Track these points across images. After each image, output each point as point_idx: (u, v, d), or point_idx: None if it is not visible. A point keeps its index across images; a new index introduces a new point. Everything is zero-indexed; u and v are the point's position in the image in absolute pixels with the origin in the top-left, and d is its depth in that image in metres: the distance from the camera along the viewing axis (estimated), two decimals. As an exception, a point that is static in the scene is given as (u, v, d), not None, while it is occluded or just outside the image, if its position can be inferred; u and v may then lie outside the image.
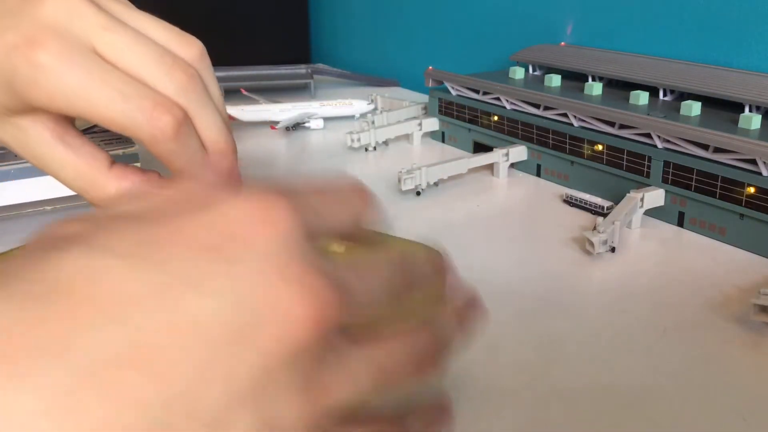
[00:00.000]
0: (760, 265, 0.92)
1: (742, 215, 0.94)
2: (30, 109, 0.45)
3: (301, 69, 2.26)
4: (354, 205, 0.37)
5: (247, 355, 0.25)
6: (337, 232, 0.34)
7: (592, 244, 0.93)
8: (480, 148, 1.39)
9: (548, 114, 1.23)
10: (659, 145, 1.05)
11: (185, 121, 0.44)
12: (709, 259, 0.94)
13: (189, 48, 0.50)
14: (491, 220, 1.10)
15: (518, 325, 0.78)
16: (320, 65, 2.46)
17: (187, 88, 0.46)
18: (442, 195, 1.19)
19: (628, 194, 1.04)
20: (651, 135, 1.06)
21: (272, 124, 1.62)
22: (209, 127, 0.47)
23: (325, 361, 0.29)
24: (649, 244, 1.00)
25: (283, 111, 1.67)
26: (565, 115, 1.19)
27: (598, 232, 0.94)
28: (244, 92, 1.90)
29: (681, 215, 1.03)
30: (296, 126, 1.66)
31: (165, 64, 0.46)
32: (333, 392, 0.29)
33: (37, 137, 0.46)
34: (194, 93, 0.47)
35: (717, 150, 0.98)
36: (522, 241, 1.01)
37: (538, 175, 1.27)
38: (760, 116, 1.05)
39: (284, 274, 0.27)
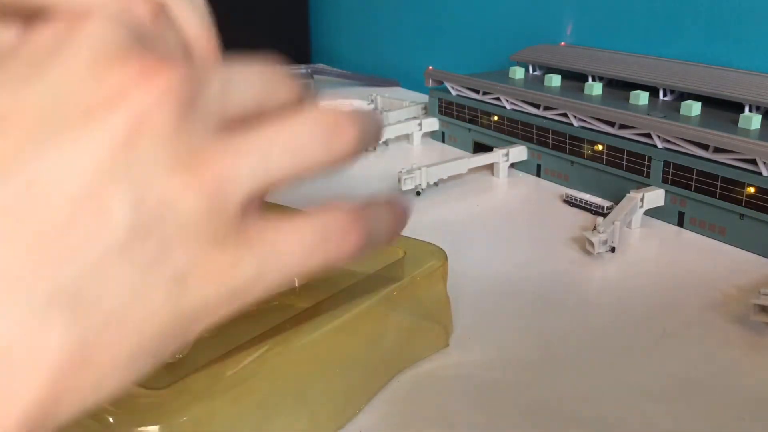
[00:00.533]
0: (760, 265, 0.92)
1: (742, 215, 0.94)
2: None
3: (301, 69, 2.26)
4: (276, 88, 0.33)
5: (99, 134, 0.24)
6: (240, 111, 0.30)
7: (592, 244, 0.93)
8: (480, 148, 1.39)
9: (548, 114, 1.23)
10: (659, 145, 1.05)
11: (161, 10, 0.39)
12: (709, 259, 0.94)
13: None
14: (491, 220, 1.10)
15: (518, 324, 0.78)
16: (320, 65, 2.46)
17: None
18: (442, 195, 1.19)
19: (628, 194, 1.04)
20: (651, 135, 1.06)
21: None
22: (188, 19, 0.39)
23: (212, 136, 0.28)
24: (649, 244, 1.00)
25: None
26: (565, 115, 1.19)
27: (598, 232, 0.94)
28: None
29: (681, 215, 1.03)
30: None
31: None
32: (221, 168, 0.27)
33: None
34: None
35: (717, 150, 0.97)
36: (522, 241, 1.01)
37: (538, 175, 1.27)
38: (760, 116, 1.05)
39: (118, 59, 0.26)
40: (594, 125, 1.15)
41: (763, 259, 0.93)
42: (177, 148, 0.26)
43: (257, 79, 0.34)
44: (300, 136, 0.31)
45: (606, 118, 1.13)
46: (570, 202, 1.14)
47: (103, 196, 0.24)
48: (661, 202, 1.05)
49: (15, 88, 0.25)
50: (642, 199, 1.03)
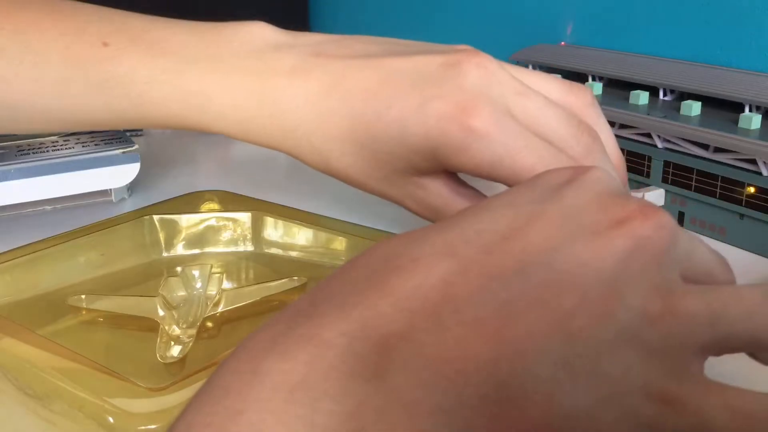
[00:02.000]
0: (760, 265, 0.92)
1: (742, 215, 0.95)
2: (439, 170, 0.48)
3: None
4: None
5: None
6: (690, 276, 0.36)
7: None
8: None
9: (548, 114, 1.23)
10: (659, 144, 1.05)
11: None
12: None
13: (583, 97, 0.54)
14: None
15: None
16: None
17: (592, 149, 0.50)
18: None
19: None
20: (651, 135, 1.06)
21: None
22: (613, 152, 0.52)
23: (673, 277, 0.33)
24: None
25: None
26: (565, 115, 1.19)
27: None
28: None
29: (681, 215, 1.03)
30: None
31: (572, 126, 0.49)
32: (687, 307, 0.32)
33: (436, 193, 0.51)
34: (597, 153, 0.50)
35: (717, 150, 0.98)
36: None
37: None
38: (760, 116, 1.05)
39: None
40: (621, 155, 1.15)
41: (763, 259, 0.93)
42: (658, 276, 0.32)
43: (712, 255, 0.40)
44: (752, 306, 0.33)
45: (606, 118, 1.13)
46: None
47: (607, 294, 0.29)
48: (661, 202, 1.05)
49: (540, 202, 0.33)
50: (642, 199, 1.03)
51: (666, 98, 1.23)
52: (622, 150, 1.09)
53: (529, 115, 0.46)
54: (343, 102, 0.44)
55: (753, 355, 0.38)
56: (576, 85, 0.51)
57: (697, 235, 0.40)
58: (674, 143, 1.02)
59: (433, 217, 0.50)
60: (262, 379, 0.24)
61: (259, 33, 0.50)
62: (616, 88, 1.31)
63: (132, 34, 0.48)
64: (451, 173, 0.51)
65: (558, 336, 0.27)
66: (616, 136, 1.11)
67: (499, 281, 0.28)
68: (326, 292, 0.28)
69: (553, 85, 0.50)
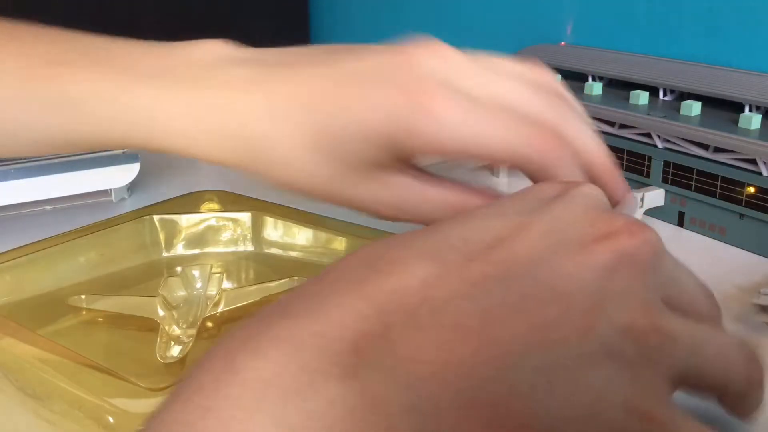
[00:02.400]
0: (760, 265, 0.92)
1: (742, 215, 0.95)
2: (406, 163, 0.48)
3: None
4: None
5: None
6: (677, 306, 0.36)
7: None
8: None
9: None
10: (659, 144, 1.05)
11: (561, 138, 0.45)
12: (709, 259, 0.94)
13: (543, 75, 0.51)
14: None
15: None
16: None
17: (567, 114, 0.48)
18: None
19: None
20: (651, 135, 1.06)
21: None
22: (581, 137, 0.47)
23: (655, 296, 0.33)
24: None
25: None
26: (565, 115, 1.19)
27: None
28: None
29: (681, 215, 1.03)
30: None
31: (541, 96, 0.47)
32: (668, 329, 0.32)
33: (399, 185, 0.49)
34: (560, 107, 0.48)
35: (717, 150, 0.98)
36: None
37: (538, 175, 1.27)
38: (760, 116, 1.05)
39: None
40: (594, 125, 1.15)
41: (764, 259, 0.93)
42: (642, 292, 0.32)
43: (698, 286, 0.40)
44: (728, 349, 0.36)
45: (606, 117, 1.13)
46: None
47: (590, 307, 0.29)
48: (661, 202, 1.05)
49: (528, 213, 0.34)
50: (642, 199, 1.03)
51: (666, 98, 1.23)
52: (622, 149, 1.10)
53: (493, 91, 0.46)
54: (303, 110, 0.44)
55: (718, 400, 0.39)
56: (538, 64, 0.51)
57: (686, 267, 0.40)
58: (674, 143, 1.02)
59: (408, 216, 0.50)
60: (234, 376, 0.24)
61: (213, 49, 0.49)
62: (616, 88, 1.31)
63: (87, 53, 0.47)
64: (417, 168, 0.51)
65: (539, 344, 0.27)
66: (617, 136, 1.11)
67: (480, 288, 0.28)
68: (305, 294, 0.29)
69: (514, 65, 0.50)
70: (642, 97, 1.19)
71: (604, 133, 1.13)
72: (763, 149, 0.91)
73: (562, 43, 1.59)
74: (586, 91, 1.26)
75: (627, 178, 1.09)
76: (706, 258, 0.95)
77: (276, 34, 2.61)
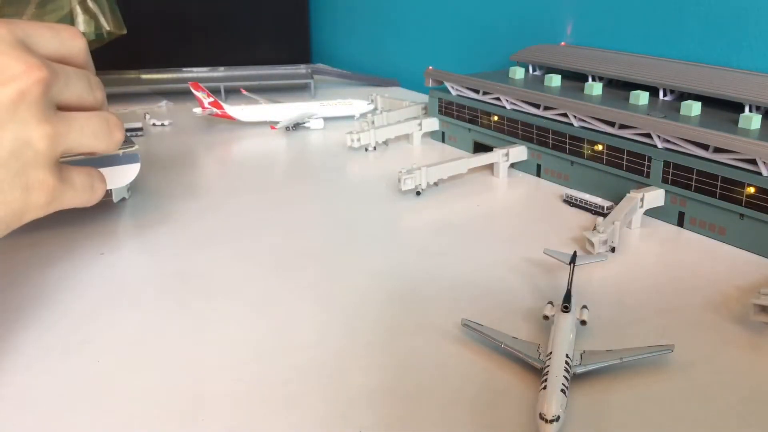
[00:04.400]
0: (759, 264, 0.92)
1: (742, 215, 0.94)
2: None
3: (301, 69, 2.26)
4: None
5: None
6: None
7: (592, 243, 0.93)
8: (480, 148, 1.39)
9: (548, 114, 1.23)
10: (659, 145, 1.05)
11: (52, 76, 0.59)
12: (709, 259, 0.94)
13: (77, 41, 0.66)
14: (491, 219, 1.10)
15: (521, 323, 0.78)
16: (320, 65, 2.46)
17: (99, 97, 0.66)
18: (442, 195, 1.19)
19: (628, 194, 1.04)
20: (651, 135, 1.06)
21: (272, 124, 1.62)
22: (76, 83, 0.63)
23: (55, 112, 0.60)
24: (649, 244, 1.00)
25: (283, 111, 1.67)
26: (565, 115, 1.19)
27: (598, 231, 0.94)
28: (244, 92, 1.89)
29: (681, 215, 1.03)
30: (296, 126, 1.66)
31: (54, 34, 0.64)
32: (67, 130, 0.61)
33: None
34: (102, 101, 0.67)
35: (717, 150, 0.97)
36: (522, 241, 1.01)
37: (539, 175, 1.27)
38: (759, 116, 1.05)
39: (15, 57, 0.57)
40: (594, 125, 1.15)
41: (763, 259, 0.93)
42: (41, 112, 0.58)
43: (85, 89, 0.65)
44: (98, 125, 0.65)
45: (606, 118, 1.13)
46: (570, 202, 1.13)
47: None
48: (661, 202, 1.05)
49: None
50: (642, 199, 1.02)
51: (666, 98, 1.23)
52: (622, 149, 1.09)
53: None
54: None
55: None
56: (68, 30, 0.65)
57: (82, 74, 0.65)
58: (674, 143, 1.02)
59: None
60: None
61: None
62: (616, 88, 1.31)
63: None
64: None
65: None
66: (616, 136, 1.11)
67: None
68: None
69: (47, 35, 0.63)
70: (642, 98, 1.19)
71: (604, 133, 1.12)
72: (763, 149, 0.91)
73: (563, 43, 1.60)
74: (586, 91, 1.26)
75: (627, 178, 1.09)
76: (706, 258, 0.94)
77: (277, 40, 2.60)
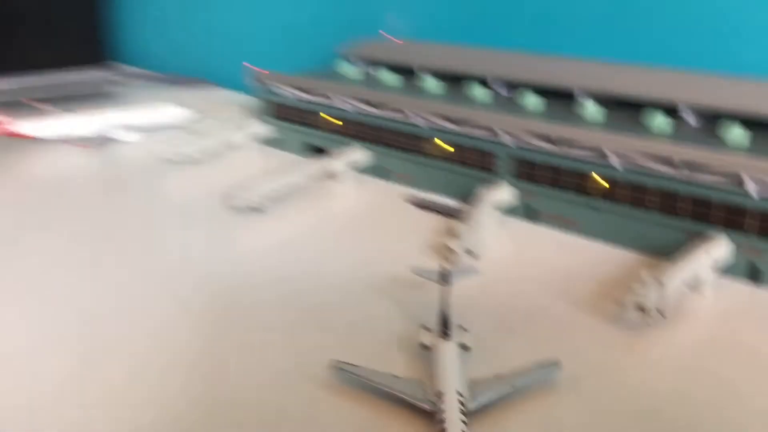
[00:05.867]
0: (616, 256, 0.92)
1: (592, 207, 0.94)
2: None
3: (102, 73, 2.04)
4: None
5: None
6: None
7: (451, 251, 0.89)
8: (315, 151, 1.30)
9: (386, 113, 1.16)
10: (505, 140, 1.02)
11: None
12: (565, 254, 0.93)
13: None
14: (341, 233, 1.03)
15: (397, 355, 0.71)
16: (124, 66, 2.25)
17: None
18: (282, 209, 1.09)
19: (477, 192, 1.01)
20: (495, 131, 1.03)
21: (80, 142, 1.42)
22: None
23: None
24: (505, 243, 0.97)
25: (84, 123, 1.47)
26: (403, 113, 1.14)
27: (456, 238, 0.90)
28: (34, 104, 1.64)
29: (531, 210, 1.02)
30: (105, 140, 1.46)
31: None
32: None
33: None
34: None
35: (561, 143, 0.96)
36: (378, 256, 0.95)
37: (383, 178, 1.21)
38: (600, 107, 1.06)
39: None
40: (435, 123, 1.10)
41: (618, 251, 0.93)
42: None
43: None
44: None
45: (447, 114, 1.09)
46: (418, 204, 1.08)
47: None
48: (509, 198, 1.03)
49: None
50: (490, 198, 1.00)
51: (503, 91, 1.21)
52: (467, 147, 1.05)
53: None
54: None
55: None
56: None
57: None
58: (518, 138, 0.99)
59: None
60: None
61: None
62: (452, 82, 1.27)
63: None
64: None
65: None
66: (460, 133, 1.06)
67: None
68: None
69: None
70: (479, 92, 1.16)
71: (446, 131, 1.08)
72: (609, 141, 0.91)
73: (393, 38, 1.53)
74: (423, 87, 1.22)
75: (474, 176, 1.05)
76: (562, 252, 0.93)
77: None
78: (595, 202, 0.93)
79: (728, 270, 0.87)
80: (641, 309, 0.73)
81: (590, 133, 0.93)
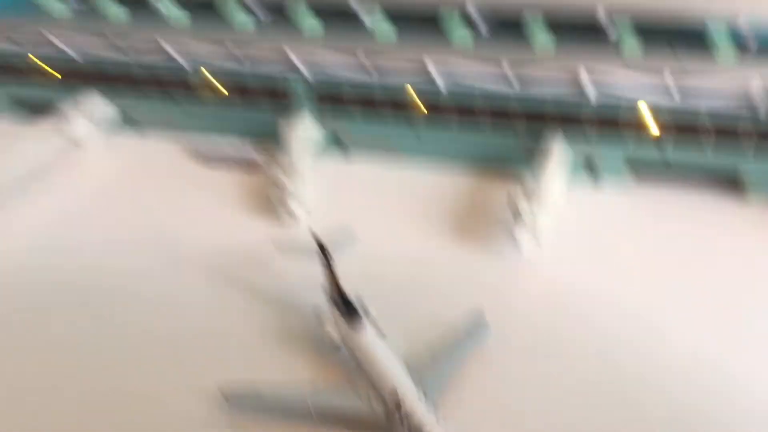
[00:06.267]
0: (444, 176, 0.86)
1: (413, 129, 0.86)
2: None
3: None
4: None
5: None
6: None
7: (292, 214, 0.77)
8: (33, 109, 1.07)
9: (134, 54, 0.97)
10: (299, 68, 0.89)
11: None
12: (387, 185, 0.85)
13: None
14: (114, 206, 0.85)
15: (289, 357, 0.58)
16: None
17: None
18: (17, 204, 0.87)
19: (277, 131, 0.88)
20: (292, 60, 0.89)
21: None
22: None
23: None
24: (320, 183, 0.86)
25: None
26: (156, 51, 0.95)
27: (288, 192, 0.78)
28: None
29: (339, 142, 0.91)
30: None
31: None
32: None
33: None
34: None
35: (365, 66, 0.86)
36: (166, 226, 0.79)
37: (143, 132, 1.02)
38: (389, 24, 0.95)
39: None
40: (198, 56, 0.93)
41: (456, 172, 0.87)
42: None
43: None
44: None
45: (210, 42, 0.92)
46: (207, 159, 0.91)
47: None
48: (314, 133, 0.91)
49: None
50: (292, 136, 0.87)
51: (263, 16, 1.04)
52: (253, 80, 0.89)
53: None
54: None
55: None
56: None
57: None
58: (313, 64, 0.86)
59: None
60: None
61: None
62: (197, 6, 1.08)
63: None
64: None
65: None
66: (240, 71, 0.90)
67: None
68: None
69: None
70: (239, 16, 1.00)
71: (223, 70, 0.91)
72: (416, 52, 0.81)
73: None
74: (163, 15, 1.03)
75: (260, 114, 0.89)
76: (384, 184, 0.85)
77: None
78: (415, 126, 0.85)
79: (570, 170, 0.88)
80: (521, 227, 0.68)
81: (395, 53, 0.83)
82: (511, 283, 0.69)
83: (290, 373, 0.55)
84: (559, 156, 0.87)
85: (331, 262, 0.63)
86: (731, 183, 1.07)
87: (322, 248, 0.65)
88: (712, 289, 0.86)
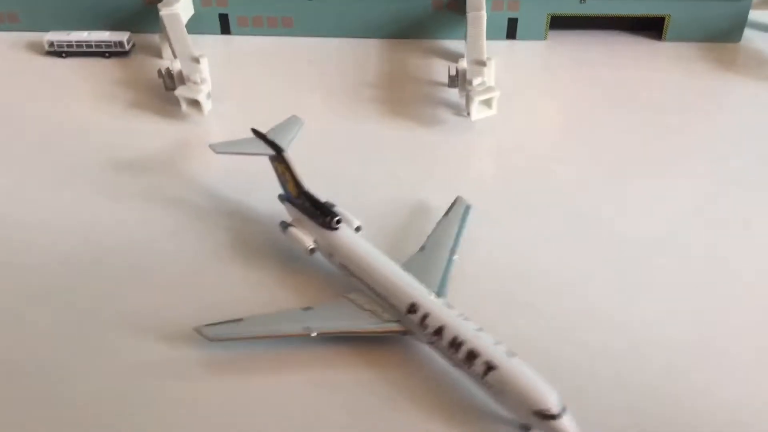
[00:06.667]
0: (364, 46, 0.87)
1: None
2: None
3: None
4: None
5: None
6: None
7: (197, 103, 0.73)
8: None
9: None
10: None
11: None
12: (285, 53, 0.84)
13: None
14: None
15: (276, 287, 0.60)
16: None
17: None
18: None
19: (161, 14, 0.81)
20: None
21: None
22: None
23: None
24: (213, 61, 0.82)
25: None
26: None
27: (195, 83, 0.74)
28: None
29: (223, 19, 0.86)
30: None
31: None
32: None
33: None
34: None
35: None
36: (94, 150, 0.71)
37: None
38: None
39: None
40: None
41: (360, 41, 0.88)
42: None
43: None
44: None
45: None
46: (58, 50, 0.80)
47: None
48: (191, 10, 0.85)
49: None
50: (162, 13, 0.80)
51: None
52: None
53: None
54: None
55: None
56: None
57: None
58: None
59: None
60: None
61: None
62: None
63: None
64: None
65: None
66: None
67: None
68: None
69: None
70: None
71: None
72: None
73: None
74: None
75: None
76: (277, 56, 0.84)
77: None
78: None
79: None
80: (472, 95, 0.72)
81: None
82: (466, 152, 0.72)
83: (260, 290, 0.53)
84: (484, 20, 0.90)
85: (288, 161, 0.57)
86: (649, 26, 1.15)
87: (274, 146, 0.59)
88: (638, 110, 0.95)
